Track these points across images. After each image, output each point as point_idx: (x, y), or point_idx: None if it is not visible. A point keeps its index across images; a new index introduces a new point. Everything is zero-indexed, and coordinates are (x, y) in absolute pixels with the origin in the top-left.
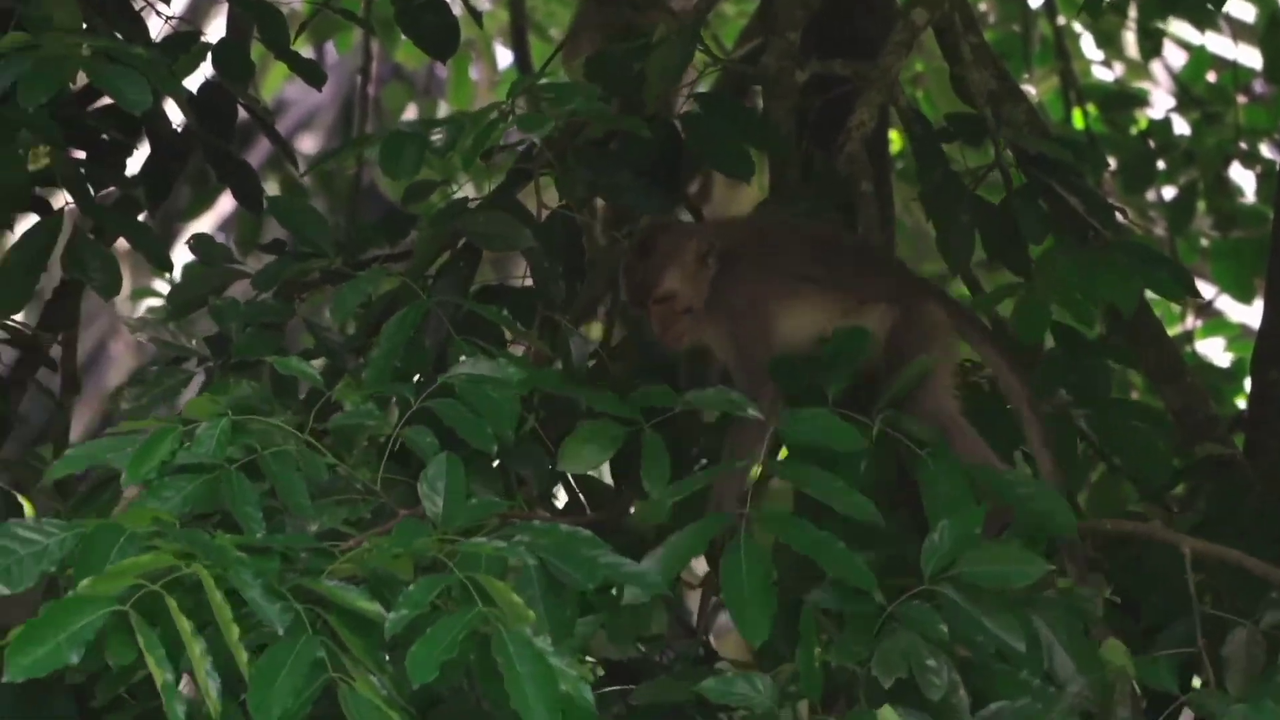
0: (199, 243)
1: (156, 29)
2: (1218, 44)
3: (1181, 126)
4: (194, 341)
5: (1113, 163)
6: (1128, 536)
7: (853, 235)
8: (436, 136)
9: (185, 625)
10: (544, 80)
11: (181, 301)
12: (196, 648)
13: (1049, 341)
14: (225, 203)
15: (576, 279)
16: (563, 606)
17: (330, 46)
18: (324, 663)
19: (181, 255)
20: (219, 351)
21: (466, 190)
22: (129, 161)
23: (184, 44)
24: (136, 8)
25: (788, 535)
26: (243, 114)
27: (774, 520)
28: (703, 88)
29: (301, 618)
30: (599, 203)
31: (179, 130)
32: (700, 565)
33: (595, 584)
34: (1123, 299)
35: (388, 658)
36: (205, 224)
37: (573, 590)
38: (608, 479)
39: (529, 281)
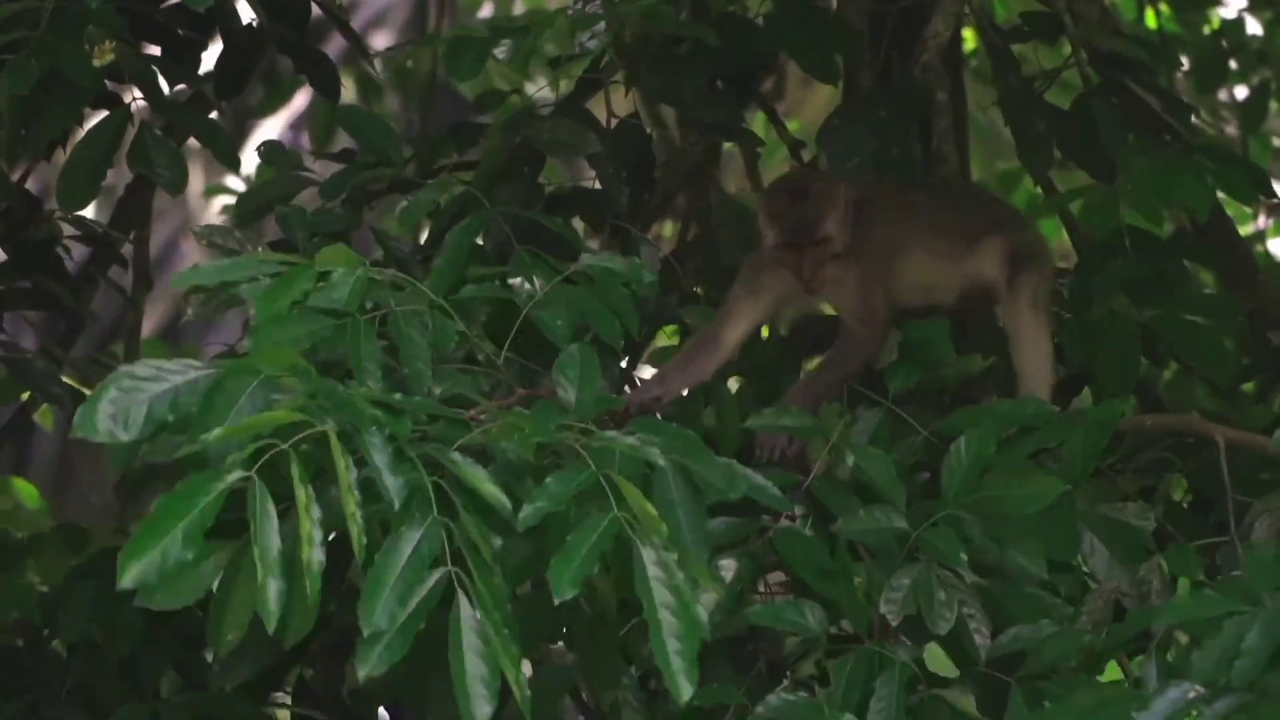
0: (269, 149)
1: None
2: None
3: (1254, 26)
4: (260, 249)
5: (1185, 62)
6: (1168, 430)
7: (943, 179)
8: (503, 47)
9: (304, 495)
10: None
11: (249, 209)
12: (308, 522)
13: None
14: (298, 101)
15: (645, 188)
16: (701, 516)
17: None
18: (443, 557)
19: (255, 154)
20: None
21: (543, 93)
22: (203, 58)
23: None
24: None
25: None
26: (315, 11)
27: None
28: None
29: (426, 493)
30: None
31: (251, 27)
32: None
33: (739, 494)
34: (1199, 202)
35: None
36: (278, 122)
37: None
38: None
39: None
